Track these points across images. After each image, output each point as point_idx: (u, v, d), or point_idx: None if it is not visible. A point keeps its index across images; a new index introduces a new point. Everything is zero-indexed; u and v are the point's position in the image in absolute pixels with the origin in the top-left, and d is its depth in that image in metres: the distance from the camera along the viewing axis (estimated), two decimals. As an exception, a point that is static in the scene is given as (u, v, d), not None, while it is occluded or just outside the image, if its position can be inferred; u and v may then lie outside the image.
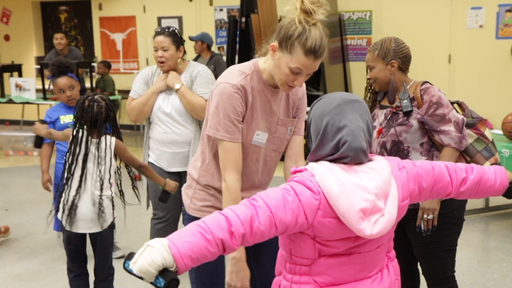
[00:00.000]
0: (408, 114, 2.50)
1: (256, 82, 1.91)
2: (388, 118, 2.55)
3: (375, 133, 2.49)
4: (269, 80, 1.92)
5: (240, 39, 7.08)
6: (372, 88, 2.58)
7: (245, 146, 1.97)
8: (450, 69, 7.32)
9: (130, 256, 1.25)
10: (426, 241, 2.44)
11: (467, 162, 2.56)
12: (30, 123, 8.64)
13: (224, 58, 7.36)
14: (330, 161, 1.39)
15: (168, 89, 3.20)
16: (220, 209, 1.94)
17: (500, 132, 4.42)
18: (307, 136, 1.54)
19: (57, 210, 2.86)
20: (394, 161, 1.48)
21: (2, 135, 7.82)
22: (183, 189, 2.11)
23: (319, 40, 1.74)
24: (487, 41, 7.06)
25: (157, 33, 3.13)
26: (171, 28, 3.19)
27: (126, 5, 9.10)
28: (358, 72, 7.65)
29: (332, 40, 7.27)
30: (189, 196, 2.07)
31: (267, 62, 1.88)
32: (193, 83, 3.16)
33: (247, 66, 1.95)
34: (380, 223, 1.33)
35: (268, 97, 1.94)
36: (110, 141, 2.76)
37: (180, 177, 3.14)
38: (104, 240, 2.82)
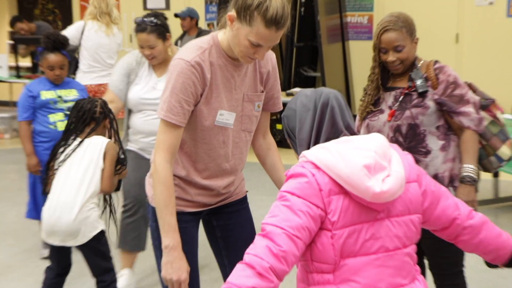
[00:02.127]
0: (423, 94, 2.43)
1: (216, 57, 1.84)
2: (400, 100, 2.46)
3: (386, 116, 2.42)
4: (230, 53, 1.85)
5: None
6: (378, 70, 2.48)
7: (208, 128, 1.89)
8: (458, 49, 7.11)
9: None
10: (441, 242, 2.12)
11: (483, 145, 2.56)
12: (3, 103, 8.53)
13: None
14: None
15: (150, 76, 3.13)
16: (187, 200, 1.90)
17: (509, 115, 4.33)
18: (290, 134, 1.50)
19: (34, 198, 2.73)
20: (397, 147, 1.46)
21: None
22: (146, 178, 2.01)
23: (281, 9, 1.69)
24: (497, 19, 6.88)
25: (139, 30, 2.99)
26: (153, 21, 3.02)
27: None
28: (358, 51, 7.44)
29: (330, 17, 7.20)
30: (152, 186, 1.93)
31: (226, 33, 1.80)
32: None
33: (205, 40, 1.87)
34: (388, 182, 1.28)
35: (231, 72, 1.87)
36: (101, 141, 2.67)
37: None
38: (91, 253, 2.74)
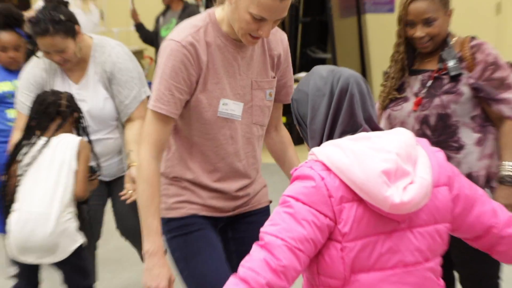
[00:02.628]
0: (456, 78, 2.35)
1: (214, 36, 1.79)
2: (428, 85, 2.38)
3: (411, 105, 2.40)
4: (230, 32, 1.79)
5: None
6: (404, 49, 2.39)
7: (210, 121, 1.84)
8: (499, 22, 6.49)
9: None
10: (473, 250, 2.12)
11: None
12: None
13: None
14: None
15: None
16: (199, 204, 1.92)
17: None
18: (300, 122, 1.46)
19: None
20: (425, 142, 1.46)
21: None
22: None
23: None
24: None
25: (38, 33, 2.65)
26: (54, 17, 2.65)
27: None
28: (377, 27, 6.83)
29: None
30: (161, 195, 1.95)
31: (225, 9, 1.76)
32: (111, 82, 2.78)
33: (200, 17, 1.85)
34: (411, 190, 1.25)
35: (233, 54, 1.82)
36: (72, 139, 2.63)
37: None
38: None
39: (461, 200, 1.38)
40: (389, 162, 1.23)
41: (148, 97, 2.65)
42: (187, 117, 1.78)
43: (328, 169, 1.25)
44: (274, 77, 1.88)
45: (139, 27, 6.16)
